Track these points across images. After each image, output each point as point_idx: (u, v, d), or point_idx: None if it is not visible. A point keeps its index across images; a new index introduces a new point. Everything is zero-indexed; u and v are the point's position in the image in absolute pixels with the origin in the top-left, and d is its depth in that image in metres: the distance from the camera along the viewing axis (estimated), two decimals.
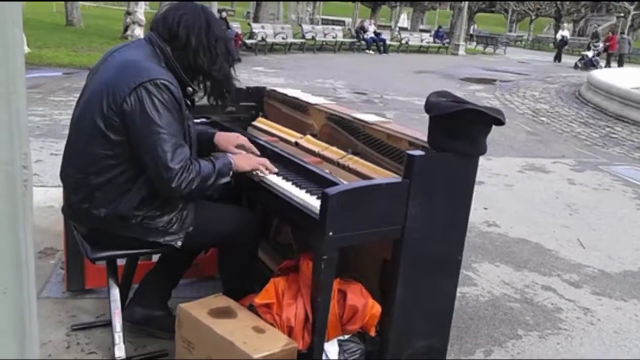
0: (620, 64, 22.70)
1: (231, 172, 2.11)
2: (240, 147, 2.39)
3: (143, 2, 16.85)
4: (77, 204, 2.06)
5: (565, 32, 26.81)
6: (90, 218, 2.04)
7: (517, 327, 2.91)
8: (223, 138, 2.42)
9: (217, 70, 2.09)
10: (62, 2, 22.52)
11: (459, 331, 2.78)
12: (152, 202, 2.03)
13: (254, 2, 27.18)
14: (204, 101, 2.24)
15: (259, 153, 2.39)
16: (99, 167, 1.98)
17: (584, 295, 3.35)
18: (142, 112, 1.89)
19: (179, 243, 2.10)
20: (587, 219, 4.74)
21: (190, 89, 2.09)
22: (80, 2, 24.21)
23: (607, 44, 23.23)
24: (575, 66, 22.18)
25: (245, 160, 2.22)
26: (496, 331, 2.85)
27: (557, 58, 25.01)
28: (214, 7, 14.60)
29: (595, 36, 24.40)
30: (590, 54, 22.48)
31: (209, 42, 2.05)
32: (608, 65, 22.36)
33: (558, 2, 39.91)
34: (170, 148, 1.90)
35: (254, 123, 3.04)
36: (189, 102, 2.11)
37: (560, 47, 25.83)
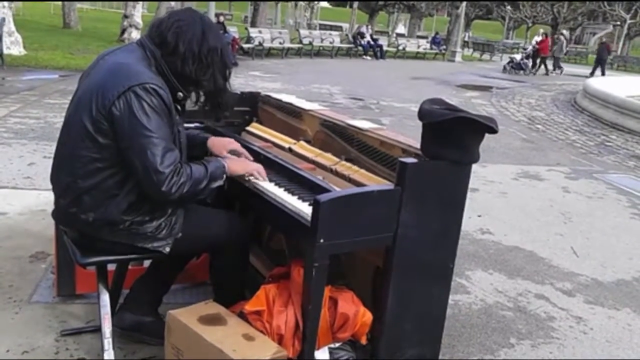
0: (547, 66, 22.33)
1: (224, 176, 2.10)
2: (233, 152, 2.38)
3: (140, 6, 16.86)
4: (66, 208, 2.04)
5: (540, 38, 25.65)
6: (79, 222, 2.03)
7: (509, 336, 2.90)
8: (216, 142, 2.42)
9: (207, 81, 2.08)
10: (60, 4, 22.51)
11: (451, 339, 2.77)
12: (140, 207, 2.01)
13: (252, 7, 27.24)
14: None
15: (252, 158, 2.38)
16: (87, 170, 1.96)
17: (577, 304, 3.35)
18: (131, 116, 1.88)
19: (167, 249, 2.08)
20: (581, 227, 4.75)
21: (180, 94, 2.07)
22: (78, 5, 24.21)
23: (538, 46, 22.58)
24: (504, 69, 21.75)
25: (239, 165, 2.21)
26: (488, 339, 2.84)
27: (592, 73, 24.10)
28: (212, 10, 14.63)
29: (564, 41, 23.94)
30: (518, 57, 22.04)
31: (201, 51, 2.03)
32: (544, 67, 22.09)
33: (555, 10, 40.06)
34: (159, 152, 1.89)
35: (248, 128, 3.03)
36: (179, 107, 2.10)
37: (536, 55, 24.84)
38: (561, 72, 22.84)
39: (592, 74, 22.22)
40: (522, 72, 21.20)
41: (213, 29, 2.10)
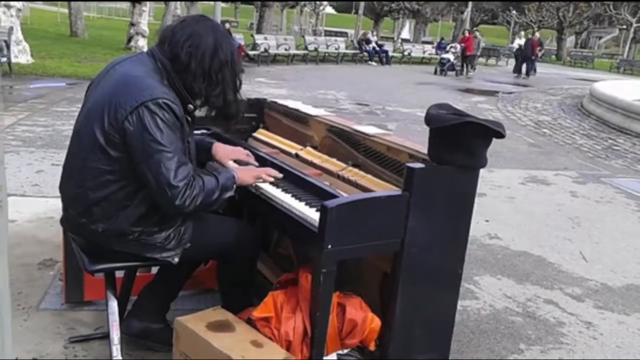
0: (466, 66, 20.85)
1: (235, 186, 2.10)
2: (237, 161, 2.38)
3: (146, 14, 16.95)
4: (75, 218, 2.05)
5: (522, 41, 23.89)
6: (88, 232, 2.03)
7: (518, 342, 2.88)
8: (220, 149, 2.42)
9: (215, 97, 2.07)
10: (67, 13, 22.67)
11: (460, 345, 2.75)
12: (149, 218, 2.01)
13: (257, 14, 27.35)
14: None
15: (257, 164, 2.38)
16: (97, 182, 1.96)
17: (587, 309, 3.32)
18: (144, 131, 1.87)
19: (176, 259, 2.08)
20: (590, 231, 4.72)
21: (191, 106, 2.07)
22: (85, 13, 24.37)
23: (463, 45, 20.73)
24: (435, 71, 20.25)
25: (249, 173, 2.21)
26: (497, 345, 2.82)
27: (517, 69, 22.40)
28: (217, 17, 14.69)
29: (540, 44, 22.14)
30: (450, 57, 20.28)
31: (212, 68, 2.01)
32: (466, 67, 20.65)
33: (560, 14, 40.00)
34: (173, 166, 1.89)
35: (255, 134, 3.04)
36: (189, 119, 2.09)
37: (518, 57, 22.92)
38: (474, 71, 21.36)
39: (519, 71, 21.62)
40: (454, 73, 19.90)
41: (225, 40, 2.07)
